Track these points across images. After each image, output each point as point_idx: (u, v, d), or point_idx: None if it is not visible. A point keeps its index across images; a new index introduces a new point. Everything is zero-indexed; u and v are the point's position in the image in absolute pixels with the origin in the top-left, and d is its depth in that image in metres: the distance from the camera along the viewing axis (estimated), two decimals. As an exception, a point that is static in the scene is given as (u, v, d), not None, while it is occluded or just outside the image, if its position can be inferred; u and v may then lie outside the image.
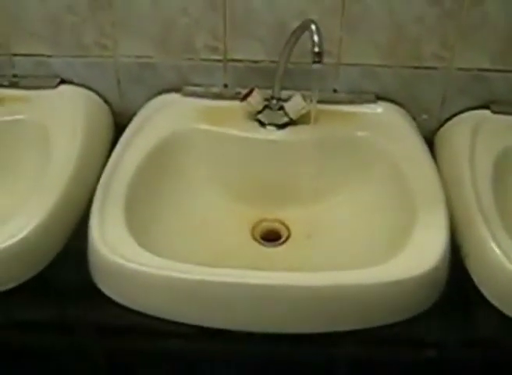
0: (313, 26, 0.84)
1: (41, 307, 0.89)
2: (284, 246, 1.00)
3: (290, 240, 1.01)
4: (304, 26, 0.87)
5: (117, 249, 0.80)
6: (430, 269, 0.79)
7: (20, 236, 0.82)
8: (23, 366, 0.84)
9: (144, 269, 0.78)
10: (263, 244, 1.01)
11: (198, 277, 0.78)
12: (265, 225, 1.04)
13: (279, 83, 1.00)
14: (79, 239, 0.88)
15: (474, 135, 1.03)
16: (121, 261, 0.79)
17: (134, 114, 1.08)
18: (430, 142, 1.09)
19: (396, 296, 0.80)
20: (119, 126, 1.08)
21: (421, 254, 0.81)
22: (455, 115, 1.09)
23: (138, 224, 0.87)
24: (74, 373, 0.85)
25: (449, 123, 1.10)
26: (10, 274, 0.84)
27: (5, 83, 1.09)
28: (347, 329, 0.81)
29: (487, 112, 1.08)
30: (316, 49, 0.83)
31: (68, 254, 0.89)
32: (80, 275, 0.86)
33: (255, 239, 1.02)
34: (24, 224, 0.84)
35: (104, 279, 0.83)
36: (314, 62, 0.83)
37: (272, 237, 1.02)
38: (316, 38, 0.83)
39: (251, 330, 0.80)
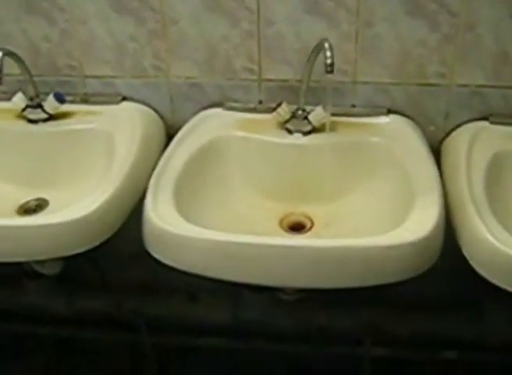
0: (326, 44, 1.03)
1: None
2: (307, 234, 1.17)
3: (313, 229, 1.18)
4: (320, 45, 1.06)
5: (165, 220, 1.00)
6: (424, 237, 0.96)
7: (88, 211, 1.03)
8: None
9: (184, 233, 0.98)
10: (290, 233, 1.18)
11: (226, 239, 0.97)
12: (292, 218, 1.21)
13: (303, 95, 1.19)
14: (136, 218, 1.08)
15: (472, 142, 1.19)
16: (167, 226, 0.98)
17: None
18: (438, 151, 1.25)
19: (395, 259, 0.96)
20: (170, 136, 1.26)
21: (417, 226, 0.98)
22: (459, 126, 1.25)
23: (183, 206, 1.06)
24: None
25: (453, 133, 1.25)
26: (79, 241, 1.04)
27: (78, 99, 1.31)
28: (355, 285, 0.97)
29: (486, 123, 1.23)
30: (328, 61, 1.02)
31: (126, 228, 1.09)
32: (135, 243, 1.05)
33: (283, 229, 1.19)
34: (91, 203, 1.04)
35: (153, 243, 1.03)
36: (327, 71, 1.02)
37: (297, 228, 1.19)
38: (328, 53, 1.02)
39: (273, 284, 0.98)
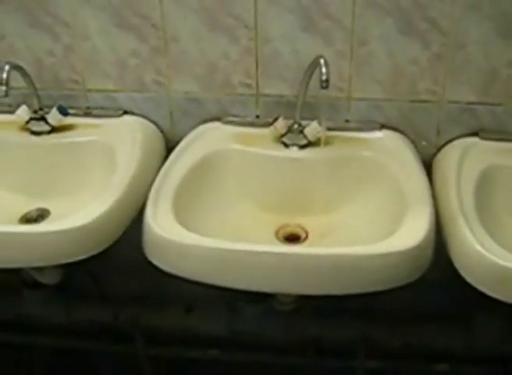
0: (321, 61, 1.07)
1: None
2: (302, 244, 1.20)
3: (308, 240, 1.21)
4: (315, 61, 1.10)
5: (164, 228, 1.03)
6: (414, 246, 0.99)
7: (88, 220, 1.06)
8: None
9: (182, 240, 1.01)
10: (285, 244, 1.21)
11: (223, 246, 1.00)
12: (288, 229, 1.24)
13: (299, 110, 1.22)
14: (135, 229, 1.11)
15: (462, 157, 1.22)
16: (166, 234, 1.02)
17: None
18: (430, 165, 1.28)
19: (386, 267, 0.99)
20: (170, 149, 1.29)
21: (408, 236, 1.01)
22: (450, 141, 1.28)
23: (182, 216, 1.09)
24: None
25: (445, 148, 1.29)
26: (78, 249, 1.07)
27: (81, 113, 1.34)
28: (346, 292, 1.00)
29: (476, 139, 1.27)
30: (324, 77, 1.06)
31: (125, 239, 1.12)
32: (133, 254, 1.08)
33: (279, 240, 1.22)
34: (91, 213, 1.07)
35: (153, 250, 1.06)
36: (323, 87, 1.06)
37: (293, 238, 1.22)
38: (324, 69, 1.06)
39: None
